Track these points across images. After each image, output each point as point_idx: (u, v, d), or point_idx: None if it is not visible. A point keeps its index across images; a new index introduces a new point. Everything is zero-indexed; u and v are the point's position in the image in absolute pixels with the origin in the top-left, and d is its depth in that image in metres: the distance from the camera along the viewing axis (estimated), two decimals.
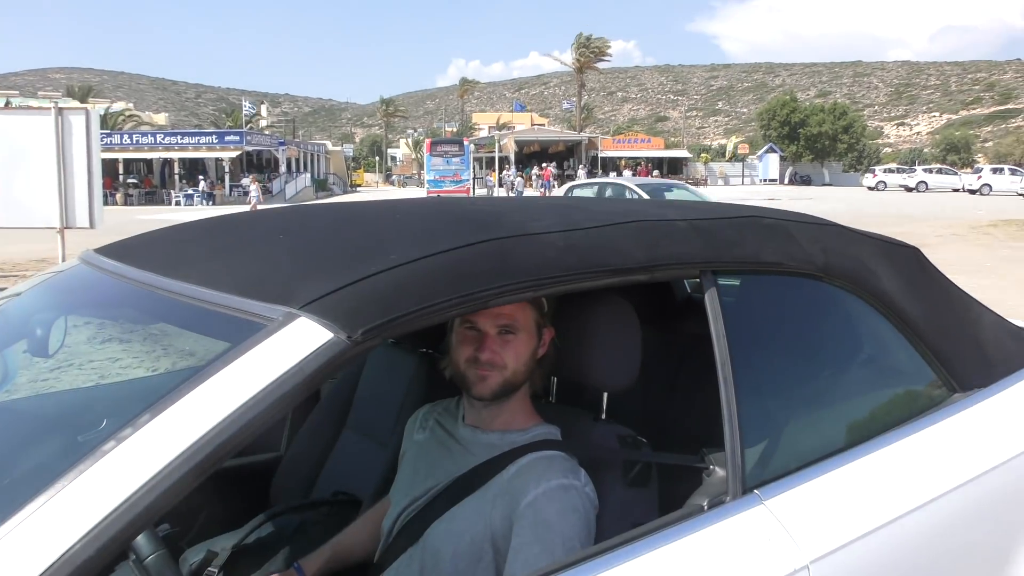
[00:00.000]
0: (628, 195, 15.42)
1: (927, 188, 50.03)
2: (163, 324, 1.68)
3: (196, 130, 57.78)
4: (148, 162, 47.05)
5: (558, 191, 24.50)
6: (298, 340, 1.16)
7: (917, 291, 1.98)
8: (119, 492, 1.00)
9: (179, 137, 46.59)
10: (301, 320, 1.18)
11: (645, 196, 14.12)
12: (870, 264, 1.91)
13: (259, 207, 24.64)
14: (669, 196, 15.34)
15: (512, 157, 56.18)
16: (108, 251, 1.77)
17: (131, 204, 40.83)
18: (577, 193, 17.35)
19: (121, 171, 44.40)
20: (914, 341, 1.91)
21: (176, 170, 44.90)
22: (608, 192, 17.13)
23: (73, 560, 0.95)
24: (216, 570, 1.89)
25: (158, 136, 47.07)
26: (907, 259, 2.06)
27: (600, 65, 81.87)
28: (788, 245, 1.77)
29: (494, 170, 52.30)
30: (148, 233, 1.91)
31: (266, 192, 43.62)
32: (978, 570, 1.86)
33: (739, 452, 1.50)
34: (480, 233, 1.44)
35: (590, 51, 75.77)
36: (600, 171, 55.87)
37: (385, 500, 1.86)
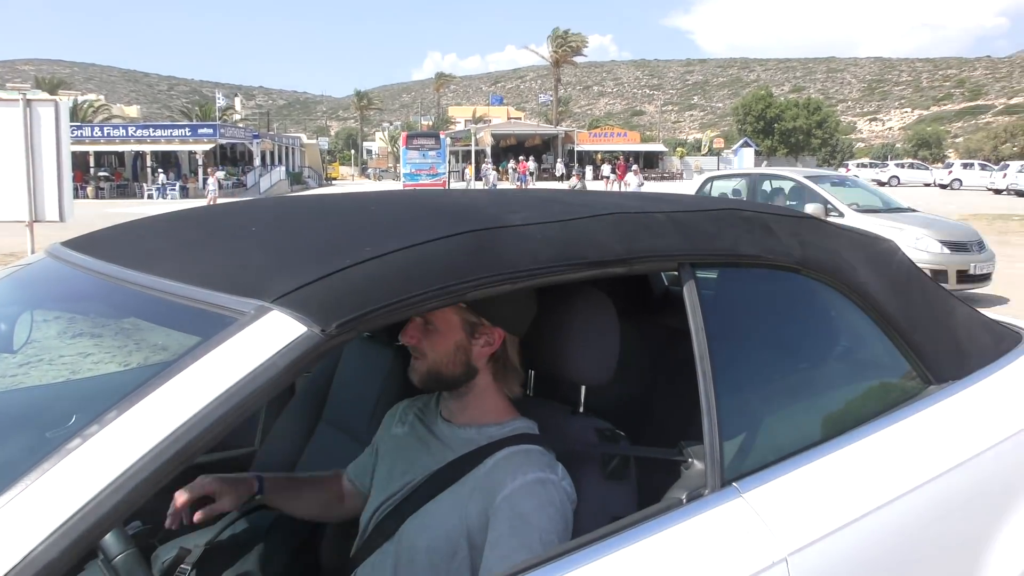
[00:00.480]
0: (788, 191, 11.71)
1: (899, 183, 50.60)
2: (134, 319, 1.65)
3: (169, 123, 57.07)
4: (120, 155, 46.43)
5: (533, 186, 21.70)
6: (271, 334, 1.14)
7: (893, 285, 1.99)
8: (86, 490, 0.97)
9: (151, 130, 45.99)
10: (274, 314, 1.16)
11: (819, 190, 11.01)
12: (847, 257, 1.91)
13: (218, 201, 24.33)
14: (847, 191, 11.93)
15: (489, 151, 56.13)
16: (76, 244, 1.73)
17: (102, 197, 40.27)
18: (719, 187, 12.90)
19: (92, 164, 43.75)
20: (890, 334, 1.92)
21: (148, 163, 44.33)
22: (767, 186, 12.22)
23: (37, 562, 0.92)
24: (189, 567, 1.86)
25: (130, 128, 46.47)
26: (883, 253, 2.07)
27: (576, 59, 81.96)
28: (766, 238, 1.77)
29: (471, 163, 52.22)
30: (117, 226, 1.87)
31: (239, 186, 43.23)
32: (954, 560, 1.87)
33: (717, 445, 1.50)
34: (456, 225, 1.42)
35: (567, 45, 75.84)
36: (576, 165, 55.86)
37: (339, 472, 1.90)
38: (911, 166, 55.77)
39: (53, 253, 1.73)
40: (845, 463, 1.71)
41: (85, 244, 1.70)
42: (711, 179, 13.48)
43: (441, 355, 1.61)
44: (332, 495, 1.89)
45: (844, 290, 1.86)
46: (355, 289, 1.22)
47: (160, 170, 43.51)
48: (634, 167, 46.47)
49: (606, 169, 49.28)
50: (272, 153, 52.56)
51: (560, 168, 52.45)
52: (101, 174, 44.12)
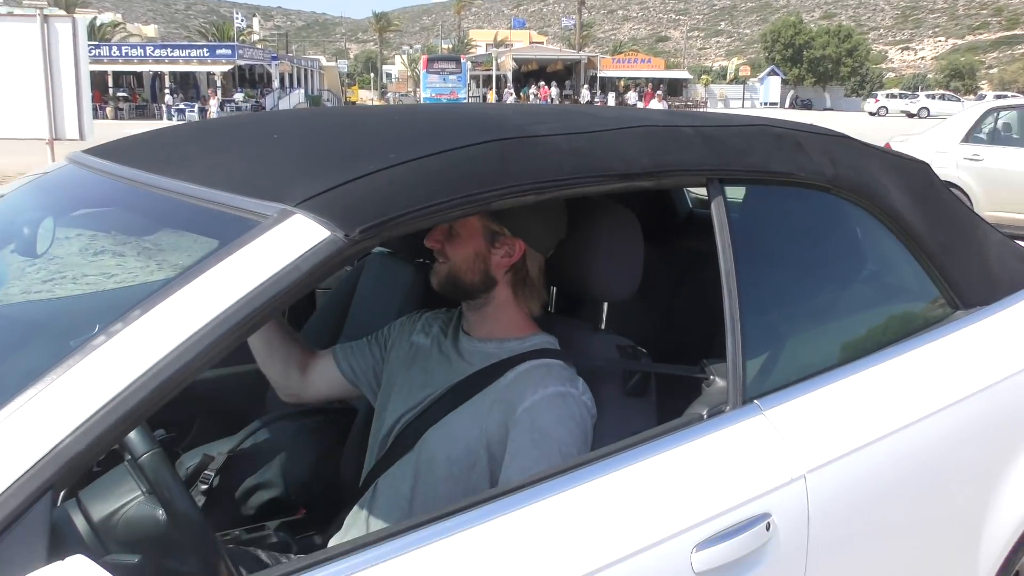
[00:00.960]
0: None
1: (929, 114, 49.39)
2: (156, 227, 1.65)
3: (187, 43, 56.43)
4: (138, 75, 46.10)
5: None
6: (294, 237, 1.13)
7: (925, 207, 1.95)
8: (111, 386, 0.98)
9: (169, 50, 45.56)
10: (297, 217, 1.14)
11: None
12: (879, 178, 1.86)
13: None
14: None
15: (510, 76, 55.22)
16: (98, 151, 1.71)
17: (121, 118, 40.11)
18: (1004, 118, 9.33)
19: (111, 84, 43.51)
20: (919, 257, 1.88)
21: (167, 84, 44.02)
22: None
23: (65, 453, 0.93)
24: (212, 473, 1.91)
25: (148, 48, 46.02)
26: (916, 174, 2.02)
27: None
28: (797, 155, 1.72)
29: (491, 88, 51.46)
30: (139, 134, 1.85)
31: (258, 109, 42.90)
32: (970, 486, 1.88)
33: (740, 362, 1.49)
34: (481, 135, 1.39)
35: None
36: (599, 91, 54.92)
37: (325, 353, 1.83)
38: (942, 97, 54.31)
39: (75, 160, 1.72)
40: (867, 385, 1.70)
41: (107, 151, 1.69)
42: (995, 110, 9.42)
43: (461, 261, 1.60)
44: (296, 359, 1.81)
45: (875, 211, 1.82)
46: (379, 195, 1.20)
47: (172, 91, 43.07)
48: (658, 93, 45.64)
49: (632, 96, 48.40)
50: (291, 75, 52.04)
51: (585, 94, 51.43)
52: (120, 94, 43.90)
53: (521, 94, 49.34)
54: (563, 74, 60.97)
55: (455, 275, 1.62)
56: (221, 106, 39.24)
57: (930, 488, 1.78)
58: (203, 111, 41.11)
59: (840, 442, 1.58)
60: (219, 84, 43.36)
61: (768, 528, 1.41)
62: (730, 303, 1.50)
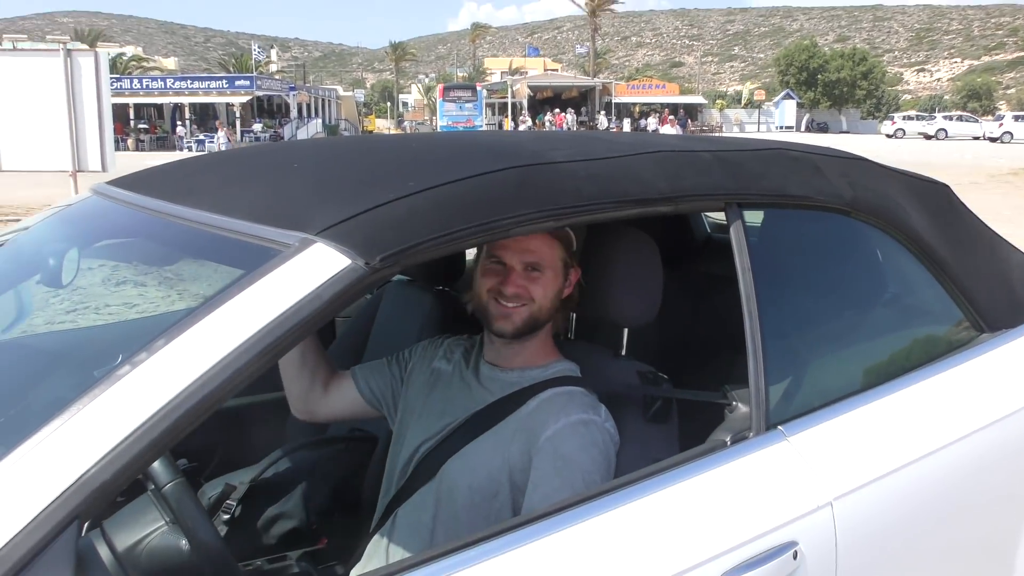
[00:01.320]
0: None
1: (947, 136, 49.21)
2: (178, 257, 1.66)
3: (206, 74, 57.24)
4: (159, 107, 46.75)
5: None
6: (315, 266, 1.13)
7: (946, 229, 1.93)
8: (137, 415, 0.98)
9: (189, 81, 46.21)
10: (318, 246, 1.15)
11: None
12: (899, 200, 1.85)
13: None
14: None
15: (525, 103, 55.55)
16: (121, 183, 1.74)
17: (142, 149, 40.64)
18: None
19: (132, 116, 44.14)
20: (942, 280, 1.87)
21: (187, 115, 44.61)
22: None
23: (92, 482, 0.94)
24: (234, 503, 1.90)
25: (168, 80, 46.71)
26: (936, 196, 2.01)
27: (614, 7, 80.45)
28: (815, 178, 1.72)
29: (507, 116, 51.78)
30: (161, 165, 1.88)
31: (276, 139, 43.35)
32: (1000, 512, 1.85)
33: (763, 388, 1.48)
34: (499, 161, 1.40)
35: None
36: (614, 118, 55.06)
37: (345, 373, 1.83)
38: (960, 119, 54.05)
39: (99, 191, 1.74)
40: (893, 410, 1.68)
41: (130, 182, 1.71)
42: None
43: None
44: (319, 378, 1.80)
45: (895, 234, 1.81)
46: (399, 223, 1.20)
47: (190, 122, 43.53)
48: (671, 118, 45.78)
49: (652, 121, 48.45)
50: (308, 105, 52.57)
51: (602, 121, 51.52)
52: (141, 126, 44.51)
53: (537, 121, 49.55)
54: (578, 100, 61.23)
55: (536, 316, 1.59)
56: (242, 136, 39.60)
57: (960, 514, 1.75)
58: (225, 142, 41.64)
59: (866, 468, 1.56)
60: (238, 115, 43.88)
61: (795, 557, 1.39)
62: (751, 328, 1.49)
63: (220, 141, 30.79)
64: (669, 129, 36.57)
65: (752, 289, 1.51)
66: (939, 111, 67.35)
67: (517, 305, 1.57)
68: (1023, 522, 1.84)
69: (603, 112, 55.30)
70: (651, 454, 1.54)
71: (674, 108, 57.18)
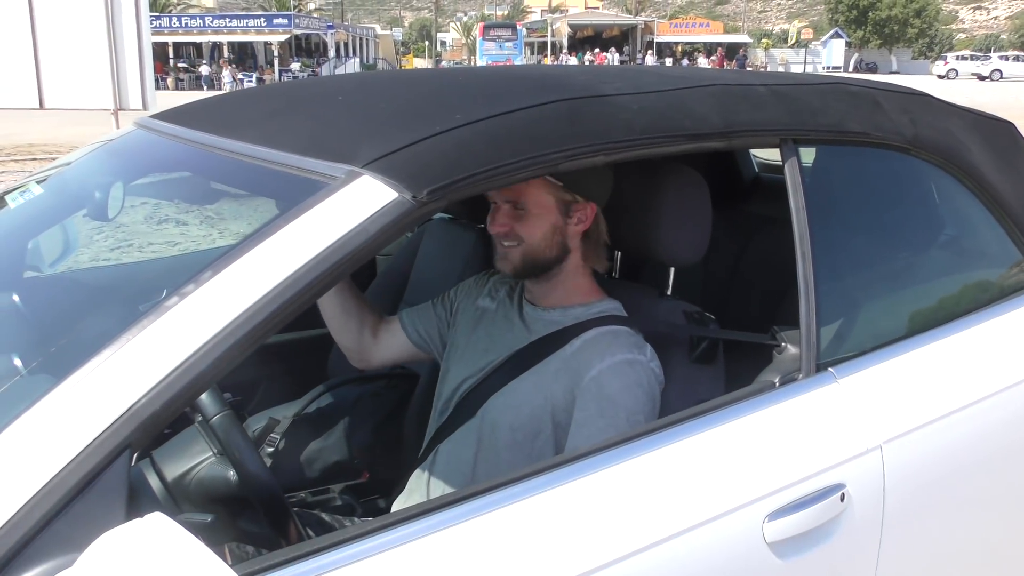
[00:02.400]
0: None
1: (1002, 76, 47.45)
2: (223, 190, 1.66)
3: (244, 13, 56.97)
4: (197, 46, 46.75)
5: None
6: (361, 199, 1.11)
7: (1010, 168, 1.86)
8: (185, 346, 0.98)
9: (227, 20, 46.02)
10: (364, 179, 1.13)
11: None
12: (961, 137, 1.78)
13: None
14: None
15: (565, 42, 54.59)
16: (164, 116, 1.73)
17: (182, 89, 40.79)
18: None
19: (171, 55, 44.20)
20: (1003, 221, 1.80)
21: (225, 54, 44.57)
22: None
23: (141, 413, 0.94)
24: (278, 436, 1.93)
25: (206, 19, 46.58)
26: (1000, 134, 1.93)
27: None
28: (875, 114, 1.65)
29: (546, 55, 50.98)
30: (204, 99, 1.86)
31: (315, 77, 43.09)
32: None
33: (814, 329, 1.44)
34: (548, 94, 1.35)
35: None
36: (656, 57, 53.91)
37: (393, 319, 1.82)
38: (1016, 59, 51.99)
39: (142, 124, 1.73)
40: (945, 355, 1.63)
41: (173, 115, 1.70)
42: None
43: (538, 239, 1.54)
44: (367, 327, 1.80)
45: (956, 173, 1.74)
46: (446, 156, 1.18)
47: (227, 62, 43.39)
48: (698, 57, 44.38)
49: (703, 62, 47.13)
50: (346, 44, 52.22)
51: (650, 60, 50.25)
52: (180, 65, 44.59)
53: (577, 60, 48.70)
54: (619, 40, 60.02)
55: (532, 255, 1.55)
56: (279, 75, 39.25)
57: (1011, 462, 1.71)
58: (260, 81, 41.53)
59: (918, 412, 1.53)
60: (276, 54, 43.72)
61: (842, 499, 1.38)
62: (804, 268, 1.45)
63: (225, 83, 29.68)
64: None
65: (806, 229, 1.46)
66: (995, 51, 64.82)
67: (511, 244, 1.55)
68: None
69: (652, 52, 53.97)
70: (697, 395, 1.52)
71: (731, 49, 55.63)
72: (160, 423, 0.96)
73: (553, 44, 53.88)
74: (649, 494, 1.26)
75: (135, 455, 0.97)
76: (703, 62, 46.93)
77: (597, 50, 50.98)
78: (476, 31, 39.17)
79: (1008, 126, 1.96)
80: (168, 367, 0.96)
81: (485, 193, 1.49)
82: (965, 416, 1.60)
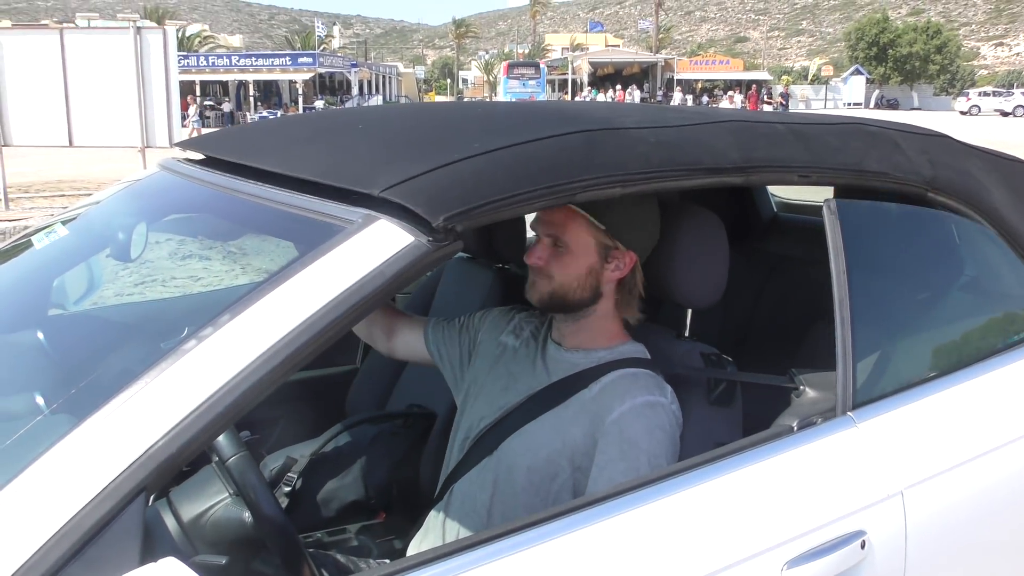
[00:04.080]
0: None
1: None
2: (242, 232, 1.68)
3: (270, 52, 58.08)
4: (224, 84, 47.61)
5: None
6: (378, 242, 1.12)
7: None
8: (203, 389, 0.99)
9: (253, 59, 46.90)
10: (381, 222, 1.14)
11: None
12: (981, 178, 1.77)
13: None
14: None
15: (585, 79, 55.08)
16: (192, 144, 1.76)
17: (208, 126, 41.47)
18: None
19: (198, 93, 45.05)
20: None
21: (251, 92, 45.36)
22: None
23: (156, 456, 0.95)
24: (295, 476, 1.93)
25: (233, 58, 47.48)
26: (1019, 174, 1.91)
27: None
28: (894, 154, 1.65)
29: (567, 92, 51.43)
30: (231, 128, 1.90)
31: None
32: None
33: (851, 370, 1.44)
34: (567, 125, 1.36)
35: None
36: (673, 94, 54.18)
37: (419, 329, 1.87)
38: None
39: (166, 166, 1.77)
40: (968, 398, 1.61)
41: (201, 143, 1.74)
42: None
43: (571, 278, 1.54)
44: (386, 322, 1.89)
45: (976, 214, 1.73)
46: (464, 183, 1.18)
47: (255, 99, 44.11)
48: (729, 94, 44.19)
49: (737, 99, 46.60)
50: (369, 82, 53.01)
51: (677, 97, 49.92)
52: (207, 103, 45.39)
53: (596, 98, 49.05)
54: (639, 77, 60.48)
55: (562, 293, 1.56)
56: (202, 115, 39.26)
57: None
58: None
59: (940, 457, 1.51)
60: (300, 92, 44.42)
61: (863, 546, 1.35)
62: (840, 312, 1.44)
63: (191, 120, 27.83)
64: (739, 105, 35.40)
65: (844, 275, 1.46)
66: (1018, 87, 64.61)
67: (539, 277, 1.57)
68: None
69: (679, 89, 53.82)
70: (714, 437, 1.51)
71: (733, 84, 55.49)
72: (176, 466, 0.97)
73: (574, 81, 54.37)
74: (667, 539, 1.24)
75: (151, 497, 0.98)
76: (728, 101, 46.25)
77: (619, 87, 51.33)
78: (498, 69, 39.85)
79: None
80: (185, 410, 0.97)
81: (517, 228, 1.51)
82: (987, 461, 1.57)
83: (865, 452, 1.44)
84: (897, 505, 1.42)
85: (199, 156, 1.72)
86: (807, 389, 1.49)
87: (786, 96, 44.76)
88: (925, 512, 1.45)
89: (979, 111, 49.38)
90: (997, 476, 1.58)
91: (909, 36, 67.08)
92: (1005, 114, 47.45)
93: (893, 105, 62.47)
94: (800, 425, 1.41)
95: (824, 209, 1.49)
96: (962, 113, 49.55)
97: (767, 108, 34.66)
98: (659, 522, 1.24)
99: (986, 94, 53.92)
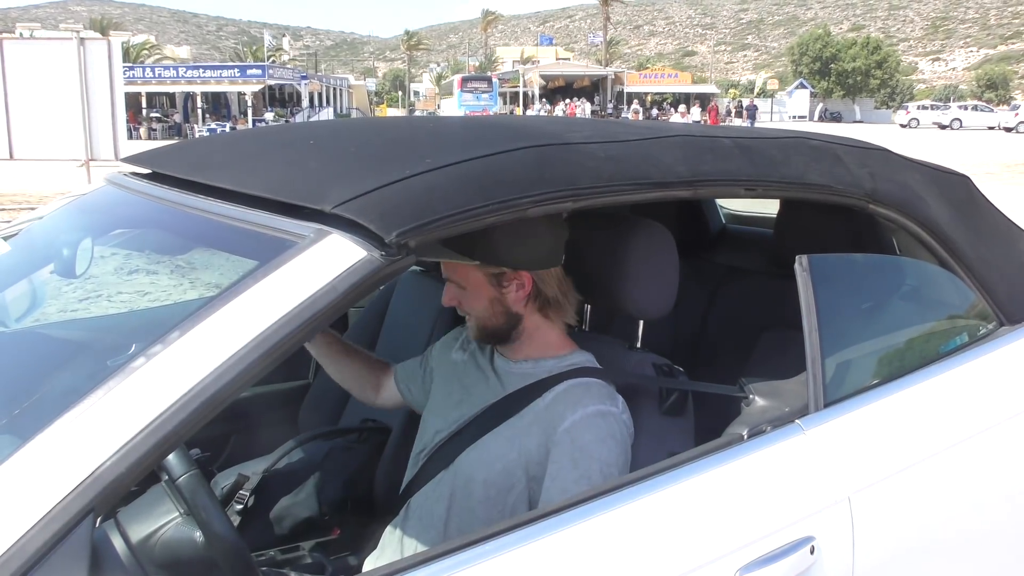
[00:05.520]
0: None
1: (961, 126, 48.70)
2: (191, 247, 1.66)
3: (218, 63, 57.31)
4: (171, 96, 46.83)
5: None
6: (330, 257, 1.12)
7: (966, 220, 1.90)
8: (151, 408, 0.97)
9: (201, 70, 46.22)
10: (333, 237, 1.14)
11: None
12: (919, 191, 1.83)
13: None
14: None
15: (537, 92, 55.41)
16: (140, 159, 1.73)
17: (155, 139, 40.72)
18: None
19: (144, 105, 44.22)
20: (961, 272, 1.84)
21: (199, 104, 44.70)
22: None
23: (105, 476, 0.93)
24: (247, 493, 1.90)
25: (180, 69, 46.75)
26: (956, 187, 1.98)
27: None
28: (835, 168, 1.69)
29: (519, 105, 51.70)
30: (181, 142, 1.88)
31: None
32: (1021, 510, 1.82)
33: (820, 372, 1.50)
34: (518, 141, 1.38)
35: None
36: (625, 107, 54.80)
37: (389, 374, 1.92)
38: (975, 108, 53.46)
39: (113, 181, 1.74)
40: (911, 404, 1.66)
41: (150, 158, 1.71)
42: None
43: (481, 311, 1.60)
44: (373, 378, 1.92)
45: (914, 225, 1.78)
46: (416, 199, 1.18)
47: (194, 113, 43.43)
48: (681, 108, 44.77)
49: (695, 112, 46.79)
50: (320, 94, 52.58)
51: (628, 112, 50.10)
52: (153, 115, 44.59)
53: (550, 111, 49.34)
54: (590, 90, 61.03)
55: (483, 326, 1.62)
56: (253, 125, 39.24)
57: (980, 510, 1.73)
58: (234, 130, 41.47)
59: (885, 462, 1.54)
60: (250, 104, 43.90)
61: (812, 552, 1.38)
62: (809, 322, 1.50)
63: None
64: (695, 119, 35.66)
65: (812, 292, 1.50)
66: (954, 101, 66.68)
67: (466, 316, 1.64)
68: None
69: (637, 102, 54.12)
70: (666, 447, 1.53)
71: (683, 97, 56.23)
72: (125, 486, 0.95)
73: (525, 94, 54.67)
74: (621, 548, 1.25)
75: (99, 518, 0.96)
76: (680, 116, 46.27)
77: (569, 100, 51.71)
78: (452, 82, 40.27)
79: (964, 179, 2.02)
80: (134, 429, 0.96)
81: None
82: (932, 464, 1.61)
83: (813, 459, 1.47)
84: (844, 510, 1.45)
85: (147, 171, 1.70)
86: (756, 398, 1.52)
87: (753, 109, 45.21)
88: (871, 516, 1.48)
89: (918, 124, 50.82)
90: (939, 480, 1.63)
91: (851, 51, 68.94)
92: (942, 127, 48.90)
93: (836, 118, 64.02)
94: (750, 433, 1.44)
95: (796, 267, 1.54)
96: (902, 126, 50.93)
97: (738, 122, 34.65)
98: (614, 532, 1.26)
99: (924, 107, 55.51)
